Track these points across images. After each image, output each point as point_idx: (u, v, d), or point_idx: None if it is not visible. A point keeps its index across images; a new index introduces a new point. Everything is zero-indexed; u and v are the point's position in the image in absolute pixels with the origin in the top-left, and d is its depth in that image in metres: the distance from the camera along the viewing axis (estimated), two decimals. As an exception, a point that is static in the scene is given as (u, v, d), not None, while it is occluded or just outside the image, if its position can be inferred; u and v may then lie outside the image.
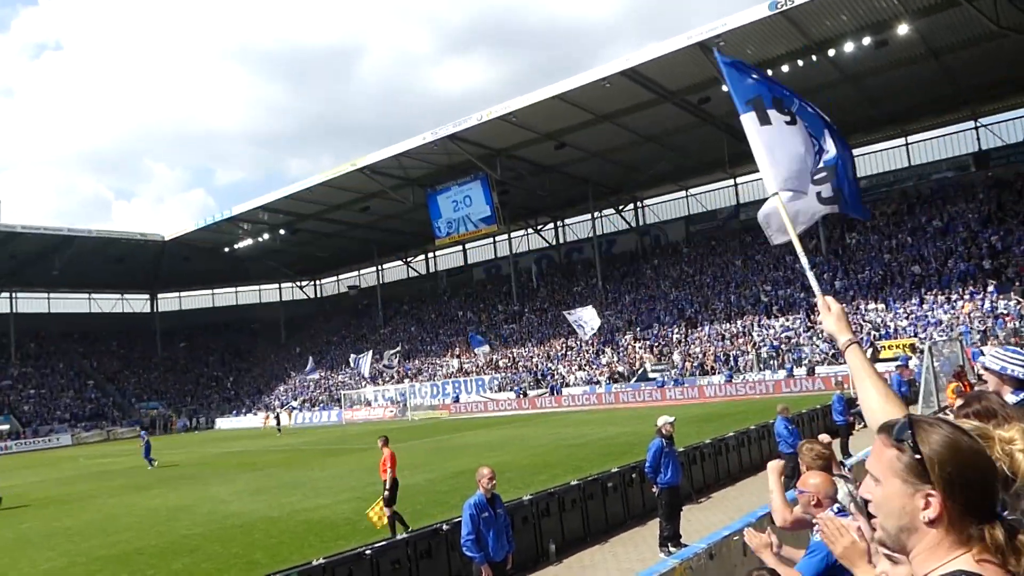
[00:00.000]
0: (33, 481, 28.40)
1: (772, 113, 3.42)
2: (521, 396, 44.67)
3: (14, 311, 66.37)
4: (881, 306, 36.05)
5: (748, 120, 3.43)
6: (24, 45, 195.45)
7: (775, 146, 3.38)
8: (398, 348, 54.13)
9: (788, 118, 3.45)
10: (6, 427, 56.79)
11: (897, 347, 31.67)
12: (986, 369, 3.77)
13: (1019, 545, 1.31)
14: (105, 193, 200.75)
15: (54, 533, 15.49)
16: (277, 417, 48.10)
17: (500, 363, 49.76)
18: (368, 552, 8.42)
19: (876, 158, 47.56)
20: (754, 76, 3.57)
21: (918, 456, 1.35)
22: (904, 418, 1.45)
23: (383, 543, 8.87)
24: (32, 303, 69.38)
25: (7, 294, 65.60)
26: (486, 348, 49.25)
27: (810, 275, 3.05)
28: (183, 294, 76.59)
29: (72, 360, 68.19)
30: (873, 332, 34.20)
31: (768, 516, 6.89)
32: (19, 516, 18.64)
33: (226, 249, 62.04)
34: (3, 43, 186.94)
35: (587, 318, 40.86)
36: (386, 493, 12.03)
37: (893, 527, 1.40)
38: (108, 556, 12.59)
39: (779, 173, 3.32)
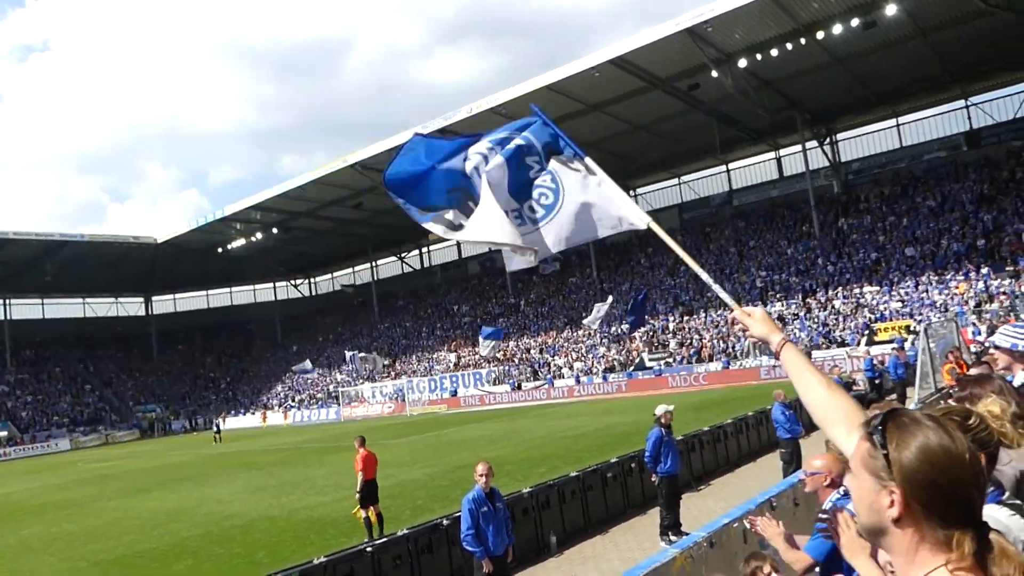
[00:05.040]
0: (33, 487, 28.35)
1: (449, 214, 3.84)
2: (516, 388, 44.76)
3: (8, 318, 66.14)
4: (876, 288, 36.12)
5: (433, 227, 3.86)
6: (11, 48, 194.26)
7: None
8: (373, 354, 53.94)
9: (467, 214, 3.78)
10: (4, 433, 56.68)
11: (893, 329, 31.76)
12: (996, 348, 3.76)
13: (988, 560, 1.27)
14: (100, 196, 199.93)
15: (55, 539, 15.46)
16: (217, 425, 47.14)
17: (497, 356, 49.78)
18: (369, 549, 8.41)
19: (868, 140, 47.55)
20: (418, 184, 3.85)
21: (884, 452, 1.32)
22: (882, 412, 1.41)
23: (384, 540, 8.86)
24: (26, 309, 69.13)
25: (0, 301, 65.36)
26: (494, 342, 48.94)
27: (716, 288, 2.91)
28: (178, 296, 76.38)
29: (68, 365, 68.04)
30: (869, 314, 34.30)
31: (767, 503, 6.89)
32: (20, 522, 18.60)
33: (219, 249, 61.84)
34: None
35: (604, 310, 40.92)
36: (357, 494, 11.93)
37: (866, 522, 1.38)
38: (110, 560, 12.57)
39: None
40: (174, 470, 28.13)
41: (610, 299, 41.85)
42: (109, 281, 67.89)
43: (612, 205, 3.50)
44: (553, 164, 3.67)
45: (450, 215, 3.77)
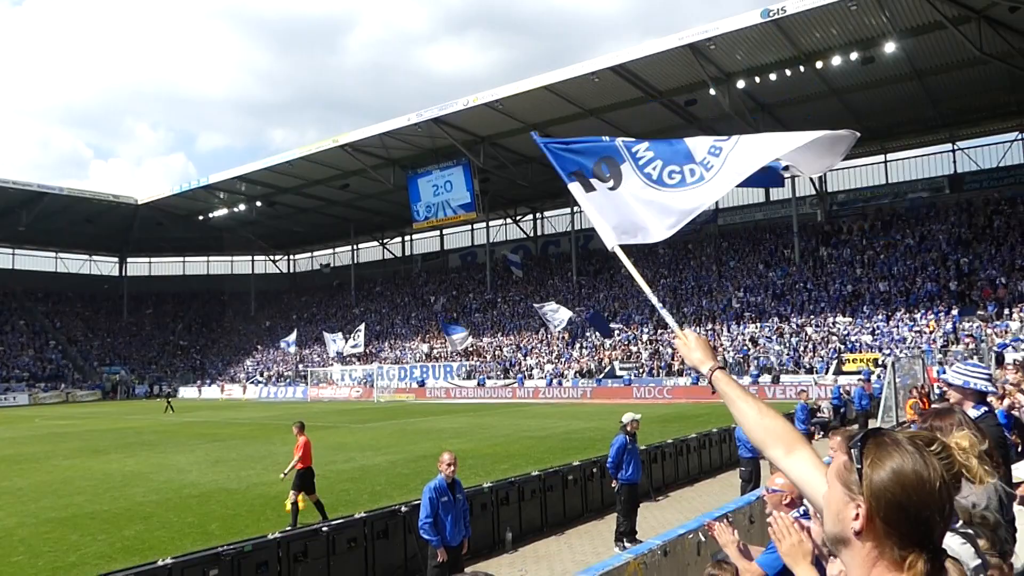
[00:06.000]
0: (-14, 438, 27.89)
1: (594, 181, 3.59)
2: (481, 385, 44.86)
3: (-23, 265, 65.03)
4: (848, 319, 36.61)
5: (574, 188, 3.59)
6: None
7: (604, 207, 3.53)
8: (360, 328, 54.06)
9: (611, 183, 3.58)
10: (-38, 382, 55.68)
11: (861, 361, 32.22)
12: (949, 385, 3.85)
13: None
14: (83, 150, 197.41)
15: (4, 492, 15.22)
16: (168, 396, 47.10)
17: (469, 351, 49.78)
18: (325, 529, 8.40)
19: (855, 173, 48.18)
20: (574, 148, 3.69)
21: (859, 468, 1.36)
22: (864, 430, 1.45)
23: (340, 521, 8.85)
24: (-4, 258, 68.01)
25: (-29, 247, 64.24)
26: (462, 335, 49.10)
27: (664, 313, 2.99)
28: (153, 260, 75.46)
29: (34, 319, 66.94)
30: (839, 344, 34.76)
31: (723, 517, 6.98)
32: (-30, 473, 18.30)
33: (200, 217, 61.24)
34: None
35: (551, 312, 41.27)
36: (284, 475, 11.72)
37: (830, 531, 1.43)
38: (59, 519, 12.41)
39: (611, 230, 3.45)
40: (134, 434, 27.81)
41: (568, 314, 42.17)
42: (84, 238, 66.89)
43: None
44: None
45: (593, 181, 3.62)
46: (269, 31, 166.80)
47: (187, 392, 60.16)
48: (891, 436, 1.40)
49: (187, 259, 76.37)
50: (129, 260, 73.79)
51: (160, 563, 6.99)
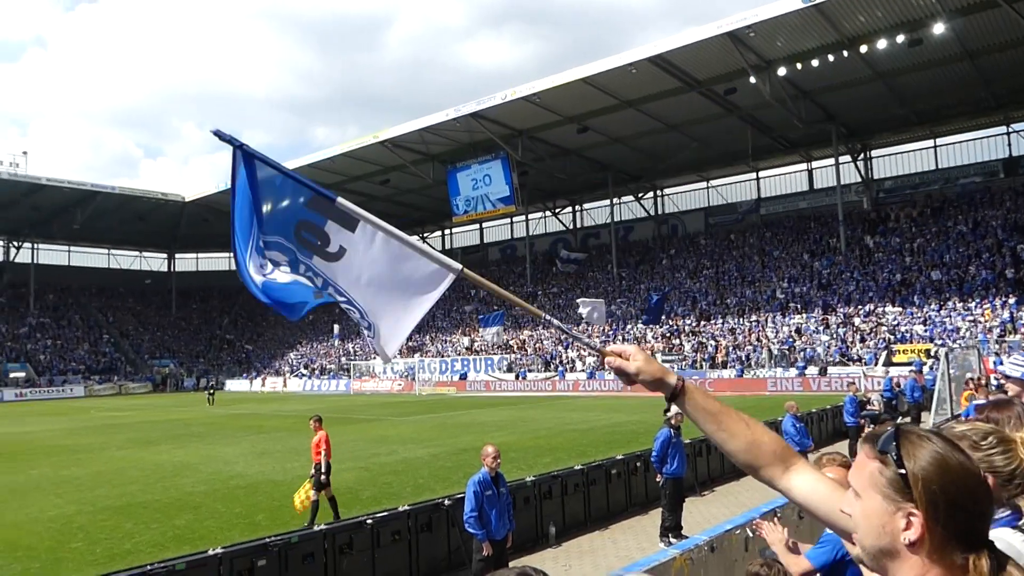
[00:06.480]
0: (45, 429, 28.85)
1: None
2: (521, 378, 44.85)
3: (35, 262, 67.27)
4: (898, 309, 35.71)
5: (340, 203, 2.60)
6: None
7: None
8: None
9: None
10: (22, 374, 57.76)
11: (912, 351, 31.41)
12: (1007, 377, 3.71)
13: None
14: (133, 150, 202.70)
15: (63, 481, 15.73)
16: (211, 388, 48.06)
17: (511, 344, 49.86)
18: (369, 521, 8.47)
19: (903, 159, 46.92)
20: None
21: (902, 471, 1.23)
22: (891, 429, 1.32)
23: (385, 513, 8.92)
24: (53, 255, 70.33)
25: (29, 245, 66.44)
26: (496, 329, 49.21)
27: (577, 335, 2.36)
28: (200, 255, 77.16)
29: (89, 313, 69.03)
30: (889, 335, 33.94)
31: (771, 513, 6.86)
32: (31, 462, 18.95)
33: (245, 213, 62.35)
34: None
35: (585, 313, 41.17)
36: (322, 477, 11.18)
37: (872, 546, 1.28)
38: (114, 507, 12.76)
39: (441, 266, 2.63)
40: (182, 426, 28.48)
41: (590, 308, 41.86)
42: (135, 235, 68.74)
43: (420, 260, 2.56)
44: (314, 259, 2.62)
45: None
46: (309, 30, 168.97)
47: (236, 385, 61.45)
48: (918, 432, 1.29)
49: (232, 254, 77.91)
50: (177, 256, 75.57)
51: (211, 552, 7.13)
